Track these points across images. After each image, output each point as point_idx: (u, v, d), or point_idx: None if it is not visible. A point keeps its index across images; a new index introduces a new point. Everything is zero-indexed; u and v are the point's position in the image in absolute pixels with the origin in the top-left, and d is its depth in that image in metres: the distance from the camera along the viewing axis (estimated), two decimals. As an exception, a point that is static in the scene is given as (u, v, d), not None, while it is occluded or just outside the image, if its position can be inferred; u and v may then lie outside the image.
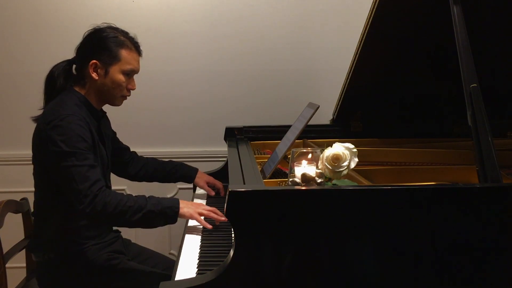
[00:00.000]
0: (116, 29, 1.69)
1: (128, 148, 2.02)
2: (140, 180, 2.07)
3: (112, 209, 1.47)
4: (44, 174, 1.62)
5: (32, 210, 1.77)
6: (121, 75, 1.66)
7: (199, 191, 2.16)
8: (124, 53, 1.65)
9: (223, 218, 1.61)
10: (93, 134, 1.62)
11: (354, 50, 1.84)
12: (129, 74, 1.68)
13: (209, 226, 1.61)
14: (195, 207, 1.61)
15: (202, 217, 1.61)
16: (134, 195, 1.57)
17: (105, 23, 1.71)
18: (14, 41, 2.56)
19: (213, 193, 2.06)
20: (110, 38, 1.64)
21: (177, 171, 2.05)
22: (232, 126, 2.30)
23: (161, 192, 2.51)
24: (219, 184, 2.11)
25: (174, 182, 2.10)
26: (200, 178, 2.08)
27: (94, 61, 1.63)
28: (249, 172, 1.51)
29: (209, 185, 2.09)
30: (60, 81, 1.68)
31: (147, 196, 1.57)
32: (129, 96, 1.73)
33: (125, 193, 2.66)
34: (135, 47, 1.69)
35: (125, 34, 1.69)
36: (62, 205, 1.60)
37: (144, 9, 2.56)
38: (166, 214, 1.54)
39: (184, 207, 1.58)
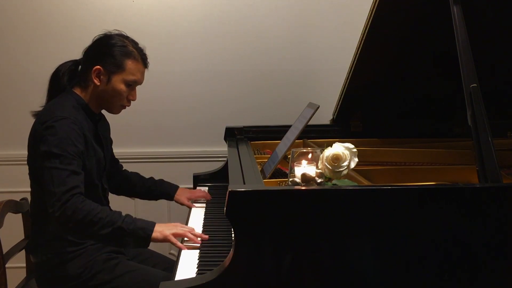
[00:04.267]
0: (126, 38, 1.68)
1: (117, 161, 2.00)
2: (119, 194, 2.02)
3: (82, 217, 1.43)
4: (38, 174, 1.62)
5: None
6: (123, 85, 1.65)
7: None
8: (129, 63, 1.64)
9: (197, 240, 1.53)
10: (87, 138, 1.61)
11: (354, 50, 1.84)
12: (131, 85, 1.67)
13: (183, 247, 1.50)
14: (171, 228, 1.52)
15: (182, 238, 1.53)
16: (114, 210, 1.53)
17: (116, 30, 1.70)
18: (14, 41, 2.56)
19: (193, 206, 1.98)
20: (118, 46, 1.63)
21: (157, 188, 2.00)
22: (232, 126, 2.30)
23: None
24: (201, 194, 2.04)
25: (155, 199, 2.03)
26: (181, 194, 2.00)
27: (98, 67, 1.62)
28: (249, 172, 1.51)
29: (192, 200, 2.02)
30: (64, 80, 1.68)
31: (125, 214, 1.51)
32: (128, 106, 1.72)
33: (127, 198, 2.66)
34: (142, 59, 1.68)
35: (134, 44, 1.68)
36: None
37: (144, 9, 2.56)
38: (138, 235, 1.47)
39: (158, 230, 1.49)
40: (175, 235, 1.51)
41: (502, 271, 1.16)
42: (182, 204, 2.01)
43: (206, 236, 1.56)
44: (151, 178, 2.03)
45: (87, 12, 2.54)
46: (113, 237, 1.47)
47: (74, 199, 1.45)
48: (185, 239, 1.55)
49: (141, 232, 1.47)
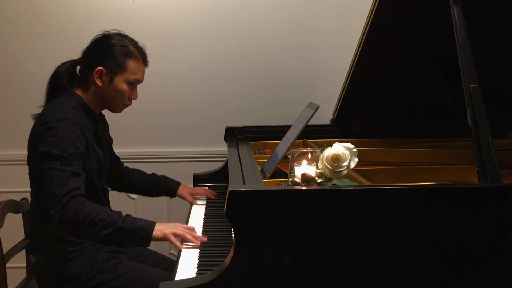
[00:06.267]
0: (125, 37, 1.68)
1: (118, 158, 2.00)
2: (121, 191, 2.04)
3: (82, 218, 1.43)
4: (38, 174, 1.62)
5: (31, 210, 1.77)
6: (125, 85, 1.65)
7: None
8: (131, 63, 1.64)
9: (197, 242, 1.52)
10: (87, 139, 1.61)
11: (354, 50, 1.84)
12: (133, 84, 1.68)
13: (181, 247, 1.51)
14: (171, 228, 1.52)
15: (181, 237, 1.53)
16: (114, 210, 1.54)
17: (115, 29, 1.70)
18: (14, 41, 2.56)
19: (195, 203, 1.99)
20: (119, 46, 1.63)
21: (160, 183, 2.01)
22: (232, 126, 2.30)
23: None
24: (202, 191, 2.06)
25: (156, 195, 2.04)
26: (183, 190, 2.03)
27: (100, 68, 1.62)
28: (249, 172, 1.51)
29: (193, 196, 2.04)
30: (64, 81, 1.68)
31: (125, 214, 1.52)
32: (130, 105, 1.73)
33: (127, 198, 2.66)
34: (142, 57, 1.69)
35: (134, 43, 1.69)
36: None
37: (144, 9, 2.56)
38: (138, 234, 1.47)
39: (158, 228, 1.50)
40: (175, 235, 1.51)
41: (502, 271, 1.16)
42: (184, 199, 2.03)
43: (205, 239, 1.55)
44: (154, 174, 2.05)
45: (87, 12, 2.54)
46: (114, 237, 1.47)
47: (74, 201, 1.45)
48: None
49: (141, 232, 1.48)
